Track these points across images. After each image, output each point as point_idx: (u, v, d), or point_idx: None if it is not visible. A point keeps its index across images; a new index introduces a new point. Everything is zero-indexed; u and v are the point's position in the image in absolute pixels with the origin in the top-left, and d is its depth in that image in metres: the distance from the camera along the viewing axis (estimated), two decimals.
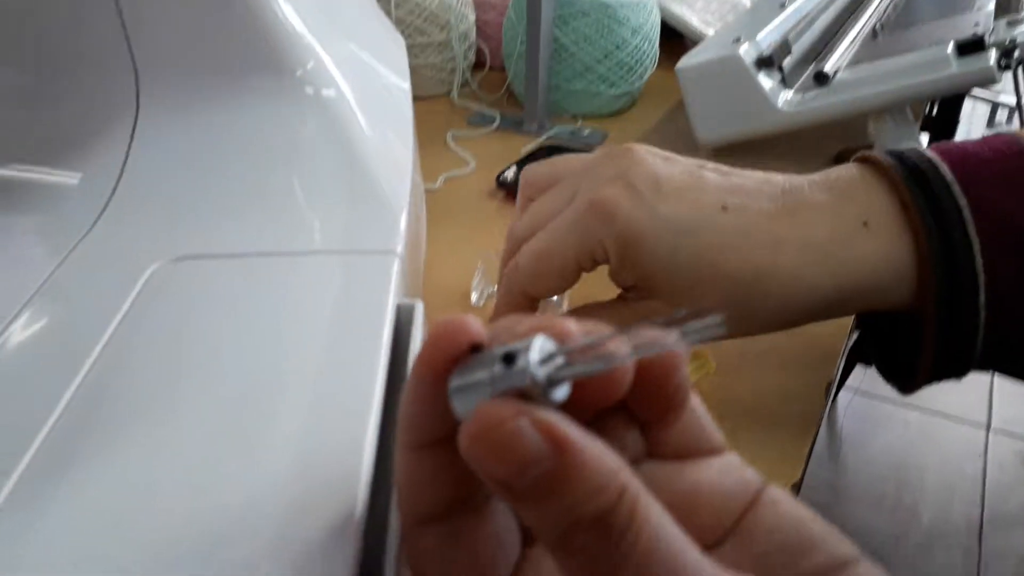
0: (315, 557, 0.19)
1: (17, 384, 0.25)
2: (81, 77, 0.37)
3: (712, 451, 0.19)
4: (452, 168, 0.65)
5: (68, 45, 0.37)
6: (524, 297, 0.35)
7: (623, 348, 0.15)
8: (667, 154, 0.35)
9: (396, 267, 0.31)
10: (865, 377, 1.54)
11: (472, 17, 0.83)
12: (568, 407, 0.15)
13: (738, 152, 0.66)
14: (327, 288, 0.30)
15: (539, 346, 0.15)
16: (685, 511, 0.16)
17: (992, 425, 1.52)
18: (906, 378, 0.36)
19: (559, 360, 0.15)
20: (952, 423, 1.52)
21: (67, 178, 0.34)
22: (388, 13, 0.76)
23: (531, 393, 0.14)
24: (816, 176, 0.35)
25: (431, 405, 0.16)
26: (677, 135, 0.71)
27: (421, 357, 0.16)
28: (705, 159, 0.36)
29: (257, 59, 0.36)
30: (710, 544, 0.18)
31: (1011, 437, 1.49)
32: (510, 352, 0.15)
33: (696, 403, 0.19)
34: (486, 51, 0.88)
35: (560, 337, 0.16)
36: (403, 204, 0.34)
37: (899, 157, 0.34)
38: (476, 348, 0.16)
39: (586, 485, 0.13)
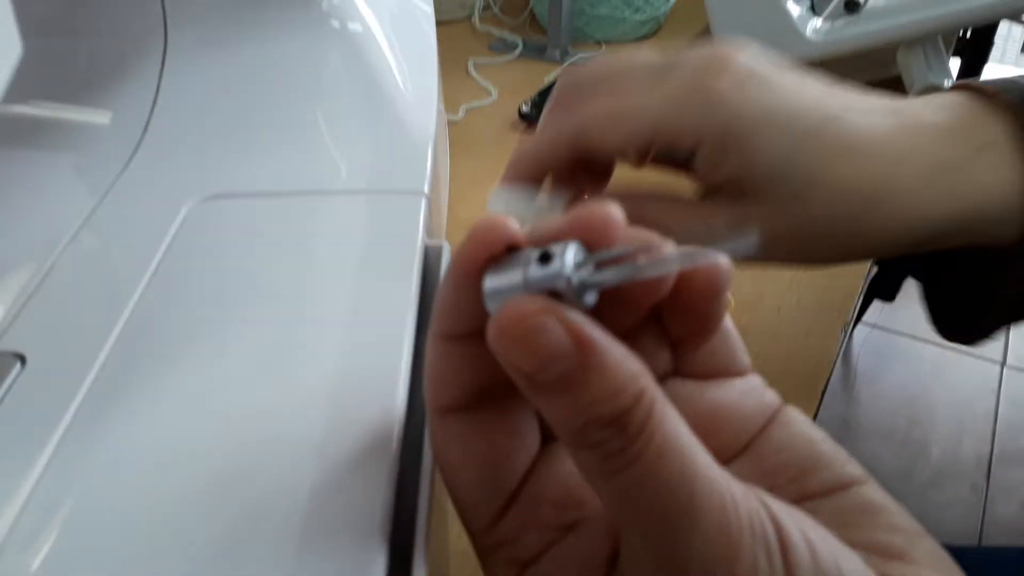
0: (355, 472, 0.20)
1: (71, 316, 0.26)
2: (109, 8, 0.37)
3: (738, 373, 0.19)
4: (474, 98, 0.65)
5: None
6: (566, 145, 0.28)
7: (658, 259, 0.15)
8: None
9: (423, 208, 0.32)
10: (882, 312, 1.54)
11: None
12: (604, 317, 0.15)
13: None
14: (357, 229, 0.30)
15: (574, 250, 0.15)
16: (704, 429, 0.16)
17: (1007, 362, 1.52)
18: (972, 326, 0.34)
19: (591, 266, 0.15)
20: (967, 358, 1.53)
21: (99, 116, 0.35)
22: None
23: (562, 295, 0.15)
24: (917, 100, 0.31)
25: (465, 299, 0.16)
26: None
27: (459, 253, 0.16)
28: None
29: None
30: (724, 460, 0.18)
31: None
32: (546, 252, 0.15)
33: (728, 324, 0.19)
34: None
35: (604, 235, 0.16)
36: (429, 143, 0.34)
37: (1004, 83, 0.31)
38: (512, 248, 0.16)
39: (605, 385, 0.14)
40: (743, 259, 0.15)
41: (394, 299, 0.28)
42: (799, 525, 0.15)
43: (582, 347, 0.14)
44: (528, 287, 0.15)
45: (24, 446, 0.21)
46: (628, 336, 0.18)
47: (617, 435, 0.14)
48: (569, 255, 0.15)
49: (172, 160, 0.33)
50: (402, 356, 0.25)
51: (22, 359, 0.24)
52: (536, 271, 0.15)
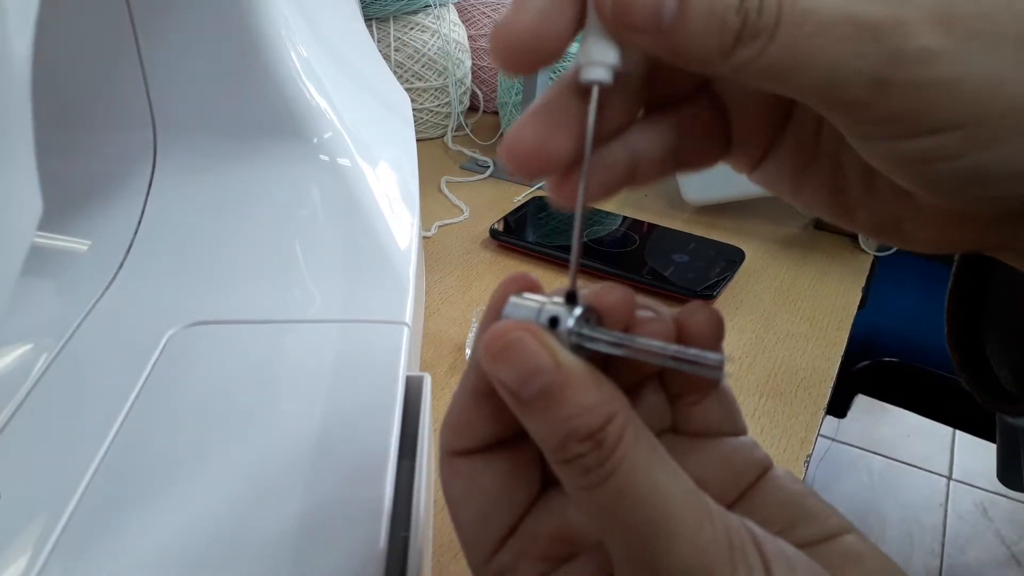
0: None
1: (48, 447, 0.26)
2: (101, 134, 0.38)
3: (732, 433, 0.20)
4: (445, 215, 0.67)
5: (90, 102, 0.38)
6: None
7: (650, 349, 0.17)
8: None
9: (405, 337, 0.33)
10: (830, 423, 1.57)
11: (468, 63, 0.85)
12: (608, 373, 0.17)
13: (720, 210, 0.69)
14: (339, 358, 0.31)
15: (582, 310, 0.17)
16: (694, 481, 0.17)
17: (953, 475, 1.56)
18: None
19: (590, 328, 0.17)
20: (914, 471, 1.56)
21: (78, 243, 0.35)
22: (387, 58, 0.78)
23: (559, 339, 0.17)
24: None
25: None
26: (665, 190, 0.73)
27: (494, 295, 0.19)
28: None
29: (276, 126, 0.37)
30: None
31: (971, 487, 1.53)
32: (570, 294, 0.17)
33: (727, 388, 0.21)
34: (480, 96, 0.90)
35: (616, 311, 0.18)
36: (411, 275, 0.36)
37: None
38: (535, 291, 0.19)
39: (581, 401, 0.16)
40: None
41: (376, 431, 0.28)
42: (781, 549, 0.16)
43: (558, 364, 0.16)
44: (538, 319, 0.17)
45: None
46: (630, 392, 0.19)
47: (594, 449, 0.16)
48: (577, 310, 0.17)
49: (155, 284, 0.33)
50: (385, 491, 0.26)
51: None
52: (549, 308, 0.17)
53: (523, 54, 0.16)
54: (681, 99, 0.20)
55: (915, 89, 0.14)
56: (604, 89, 0.17)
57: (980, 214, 0.18)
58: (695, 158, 0.21)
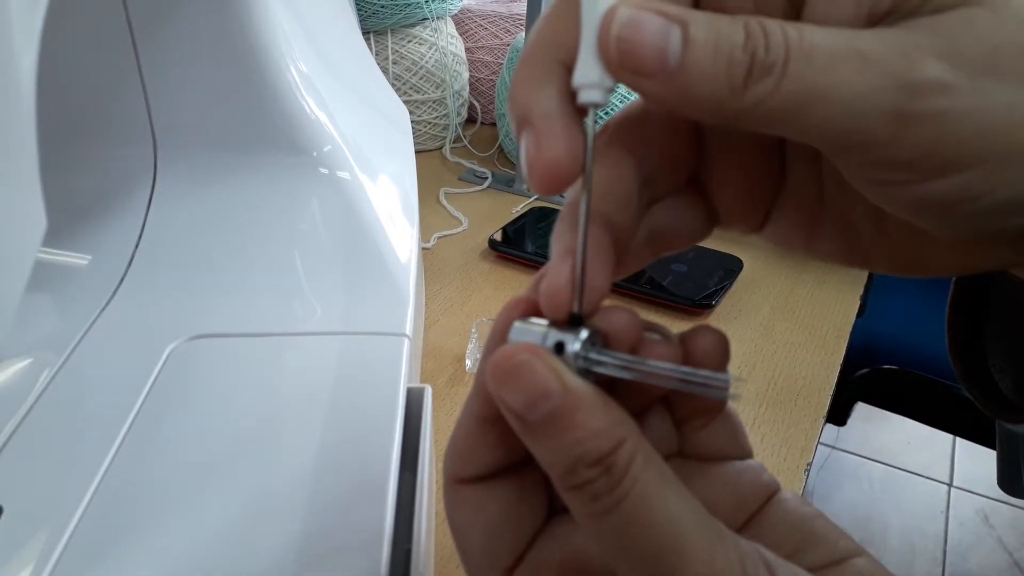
0: None
1: (50, 462, 0.26)
2: (101, 149, 0.38)
3: (738, 456, 0.20)
4: (445, 227, 0.67)
5: (91, 117, 0.38)
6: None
7: (657, 372, 0.17)
8: None
9: (406, 349, 0.33)
10: (830, 431, 1.57)
11: (466, 75, 0.86)
12: (615, 398, 0.17)
13: None
14: (340, 371, 0.31)
15: (588, 333, 0.17)
16: (702, 504, 0.17)
17: (954, 483, 1.56)
18: None
19: (596, 352, 0.17)
20: (915, 478, 1.56)
21: (79, 258, 0.35)
22: (385, 71, 0.78)
23: (566, 363, 0.17)
24: None
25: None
26: None
27: (498, 319, 0.18)
28: None
29: (276, 139, 0.37)
30: None
31: (972, 494, 1.53)
32: (574, 317, 0.17)
33: (732, 411, 0.21)
34: (478, 107, 0.90)
35: (623, 334, 0.18)
36: (411, 287, 0.36)
37: None
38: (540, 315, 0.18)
39: (589, 426, 0.15)
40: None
41: (378, 443, 0.28)
42: (794, 574, 0.16)
43: (566, 388, 0.16)
44: (544, 342, 0.17)
45: None
46: (635, 417, 0.19)
47: (604, 475, 0.15)
48: (583, 333, 0.17)
49: (156, 299, 0.34)
50: (386, 503, 0.26)
51: None
52: (554, 334, 0.17)
53: (556, 183, 0.17)
54: (665, 195, 0.20)
55: (935, 121, 0.14)
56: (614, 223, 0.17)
57: (998, 238, 0.17)
58: (680, 242, 0.21)
